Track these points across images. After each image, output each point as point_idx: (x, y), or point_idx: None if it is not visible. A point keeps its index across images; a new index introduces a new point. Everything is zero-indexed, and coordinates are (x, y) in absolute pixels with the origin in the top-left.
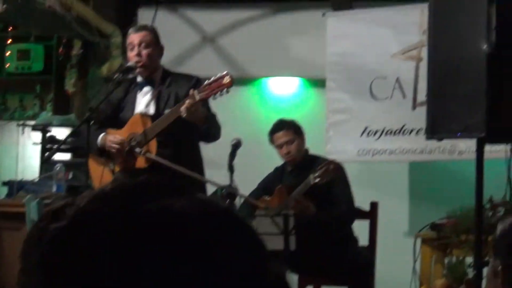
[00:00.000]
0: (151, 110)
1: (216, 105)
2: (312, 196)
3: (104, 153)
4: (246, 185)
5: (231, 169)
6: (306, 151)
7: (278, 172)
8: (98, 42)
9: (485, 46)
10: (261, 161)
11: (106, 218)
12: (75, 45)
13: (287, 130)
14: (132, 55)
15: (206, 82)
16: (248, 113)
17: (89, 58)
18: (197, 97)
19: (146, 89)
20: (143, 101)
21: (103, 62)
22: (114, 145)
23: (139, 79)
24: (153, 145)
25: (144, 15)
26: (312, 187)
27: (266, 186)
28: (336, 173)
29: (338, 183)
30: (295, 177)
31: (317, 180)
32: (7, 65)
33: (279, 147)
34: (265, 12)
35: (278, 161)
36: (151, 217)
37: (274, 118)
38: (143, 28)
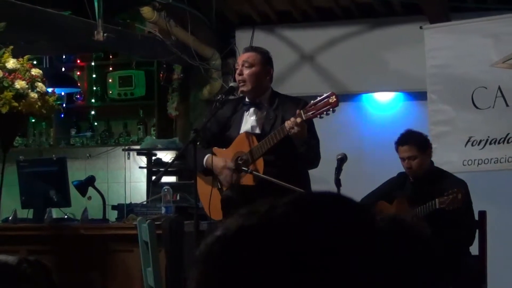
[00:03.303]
0: (257, 131)
1: (317, 121)
2: (434, 217)
3: (210, 172)
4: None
5: (337, 183)
6: (431, 163)
7: (401, 180)
8: (197, 66)
9: None
10: (365, 175)
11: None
12: (175, 70)
13: (411, 145)
14: (235, 75)
15: (311, 102)
16: (349, 129)
17: (190, 81)
18: (304, 117)
19: (253, 109)
20: (250, 121)
21: (203, 85)
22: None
23: (247, 99)
24: (260, 163)
25: (242, 37)
26: (435, 210)
27: (385, 192)
28: (463, 202)
29: (462, 209)
30: (417, 189)
31: (442, 206)
32: (110, 92)
33: (402, 159)
34: (361, 29)
35: (382, 175)
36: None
37: (375, 133)
38: (250, 49)
